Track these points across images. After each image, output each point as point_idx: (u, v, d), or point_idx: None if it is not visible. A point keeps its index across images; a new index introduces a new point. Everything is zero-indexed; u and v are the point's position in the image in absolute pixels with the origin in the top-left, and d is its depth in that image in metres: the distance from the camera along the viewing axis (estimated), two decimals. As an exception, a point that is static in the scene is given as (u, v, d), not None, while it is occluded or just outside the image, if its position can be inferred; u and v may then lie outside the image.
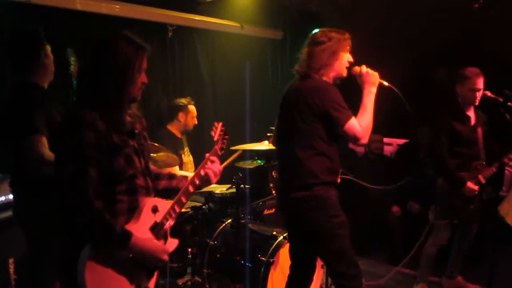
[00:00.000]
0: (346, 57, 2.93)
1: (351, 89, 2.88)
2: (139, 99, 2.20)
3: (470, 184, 3.78)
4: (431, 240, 4.03)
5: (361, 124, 2.78)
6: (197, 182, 2.39)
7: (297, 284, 3.14)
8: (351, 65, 2.93)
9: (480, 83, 3.78)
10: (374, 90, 2.87)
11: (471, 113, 3.92)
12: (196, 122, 4.70)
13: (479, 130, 3.91)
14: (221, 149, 2.53)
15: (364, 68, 2.90)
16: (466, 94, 3.83)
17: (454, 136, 3.81)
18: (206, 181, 2.44)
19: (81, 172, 1.91)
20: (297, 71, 3.04)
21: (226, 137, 2.54)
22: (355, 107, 2.85)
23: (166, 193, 2.43)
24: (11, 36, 3.03)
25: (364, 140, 2.79)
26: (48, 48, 3.04)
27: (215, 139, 2.51)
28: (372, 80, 2.87)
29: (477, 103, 3.85)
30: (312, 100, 2.79)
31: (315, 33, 2.98)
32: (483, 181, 3.84)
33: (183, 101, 4.67)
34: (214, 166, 2.45)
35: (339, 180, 2.97)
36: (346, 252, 2.86)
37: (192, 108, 4.69)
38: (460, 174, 3.82)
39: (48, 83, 3.06)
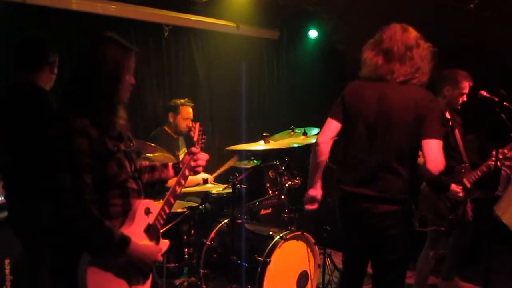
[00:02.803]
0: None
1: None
2: (127, 101, 2.18)
3: (454, 187, 3.65)
4: (431, 253, 3.89)
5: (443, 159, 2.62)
6: (183, 182, 2.40)
7: None
8: None
9: (468, 87, 3.78)
10: None
11: (447, 114, 3.89)
12: (189, 124, 4.62)
13: (457, 132, 3.86)
14: (200, 149, 2.55)
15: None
16: (455, 97, 3.79)
17: None
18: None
19: (78, 180, 1.90)
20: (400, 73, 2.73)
21: (204, 137, 2.59)
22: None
23: (150, 186, 2.45)
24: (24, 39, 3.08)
25: (439, 169, 2.59)
26: (55, 57, 3.08)
27: (195, 139, 2.55)
28: None
29: (459, 107, 3.84)
30: (425, 109, 2.63)
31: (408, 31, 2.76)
32: (468, 185, 3.72)
33: (176, 101, 4.66)
34: (201, 161, 2.49)
35: None
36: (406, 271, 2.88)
37: (184, 109, 4.65)
38: (442, 177, 3.59)
39: (48, 84, 3.07)
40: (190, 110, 4.70)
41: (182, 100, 4.68)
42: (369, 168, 2.71)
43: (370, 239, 2.79)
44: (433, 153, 2.58)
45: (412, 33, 2.75)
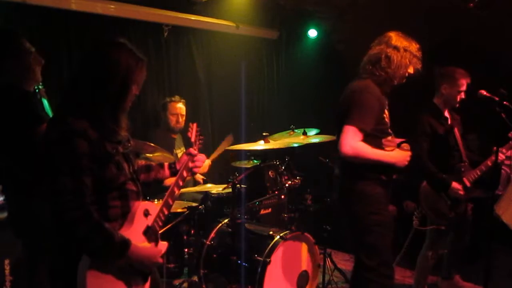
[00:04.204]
0: (411, 70, 3.04)
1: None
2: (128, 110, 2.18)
3: (455, 184, 3.68)
4: (430, 252, 3.91)
5: (358, 145, 2.84)
6: (181, 183, 2.40)
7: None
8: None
9: (466, 84, 3.79)
10: (394, 163, 2.97)
11: (446, 113, 3.91)
12: (180, 120, 4.69)
13: (456, 131, 3.87)
14: (198, 149, 2.57)
15: (408, 150, 3.02)
16: (453, 95, 3.80)
17: (435, 138, 3.75)
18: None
19: (78, 182, 1.89)
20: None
21: (202, 137, 2.60)
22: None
23: (146, 186, 2.44)
24: None
25: (343, 151, 2.84)
26: (28, 48, 3.02)
27: (193, 140, 2.57)
28: (400, 159, 2.98)
29: (458, 105, 3.85)
30: (351, 98, 2.92)
31: (390, 36, 3.01)
32: (468, 184, 3.75)
33: (166, 99, 4.69)
34: (199, 162, 2.51)
35: (386, 178, 3.03)
36: (379, 249, 3.00)
37: (171, 105, 4.68)
38: (443, 176, 3.73)
39: (32, 84, 3.04)
40: (180, 105, 4.71)
41: (172, 98, 4.71)
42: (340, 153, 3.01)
43: (343, 215, 3.11)
44: (342, 137, 2.85)
45: (403, 40, 2.99)
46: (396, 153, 2.98)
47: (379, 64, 2.95)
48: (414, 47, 2.99)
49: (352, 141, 2.82)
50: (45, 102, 3.19)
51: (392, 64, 2.93)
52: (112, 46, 2.07)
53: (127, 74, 2.03)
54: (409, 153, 3.01)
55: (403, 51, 2.94)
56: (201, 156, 2.52)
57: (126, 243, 1.98)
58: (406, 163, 3.01)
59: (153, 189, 2.74)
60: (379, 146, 2.96)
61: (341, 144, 2.84)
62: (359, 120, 2.83)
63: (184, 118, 4.74)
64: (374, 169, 2.94)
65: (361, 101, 2.88)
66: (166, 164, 2.50)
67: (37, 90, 3.17)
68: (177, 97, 4.72)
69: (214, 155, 4.62)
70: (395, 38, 2.98)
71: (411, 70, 3.01)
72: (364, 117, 2.85)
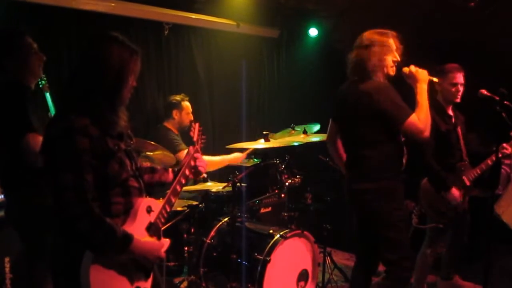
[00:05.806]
0: (390, 59, 3.11)
1: (402, 88, 3.11)
2: (127, 102, 2.19)
3: (454, 191, 3.66)
4: (429, 250, 3.91)
5: (420, 119, 2.98)
6: (183, 181, 2.43)
7: (363, 271, 3.43)
8: (400, 66, 3.14)
9: (461, 77, 3.78)
10: (425, 86, 3.09)
11: (450, 111, 3.90)
12: (191, 118, 4.70)
13: (459, 130, 3.87)
14: (200, 148, 2.60)
15: (413, 68, 3.12)
16: (447, 90, 3.79)
17: (438, 136, 3.70)
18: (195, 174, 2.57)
19: (79, 179, 1.90)
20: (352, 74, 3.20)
21: (204, 137, 2.64)
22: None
23: (149, 188, 2.45)
24: None
25: (426, 133, 2.98)
26: (30, 45, 3.02)
27: (195, 139, 2.60)
28: (422, 78, 3.09)
29: (458, 100, 3.83)
30: (371, 101, 2.99)
31: (362, 36, 3.14)
32: (467, 183, 3.76)
33: (177, 98, 4.68)
34: (202, 162, 2.54)
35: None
36: (401, 244, 3.09)
37: (186, 104, 4.70)
38: (445, 175, 3.70)
39: (33, 81, 3.06)
40: (189, 104, 4.75)
41: (181, 96, 4.72)
42: (350, 155, 3.29)
43: (362, 214, 3.28)
44: (413, 133, 2.99)
45: (374, 34, 3.10)
46: (419, 81, 3.08)
47: (363, 65, 3.07)
48: (386, 38, 3.10)
49: (419, 126, 2.96)
50: (48, 96, 3.22)
51: (374, 59, 3.05)
52: (104, 41, 2.08)
53: (121, 68, 2.04)
54: (419, 70, 3.11)
55: (378, 45, 3.06)
56: (202, 159, 2.55)
57: (128, 237, 1.99)
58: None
59: (156, 191, 2.76)
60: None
61: (419, 137, 2.98)
62: (403, 112, 2.97)
63: None
64: (396, 166, 3.12)
65: (389, 97, 2.99)
66: (170, 168, 2.54)
67: (40, 86, 3.24)
68: (184, 95, 4.75)
69: (220, 163, 4.63)
70: (367, 36, 3.12)
71: (395, 57, 3.11)
72: (402, 106, 2.99)
